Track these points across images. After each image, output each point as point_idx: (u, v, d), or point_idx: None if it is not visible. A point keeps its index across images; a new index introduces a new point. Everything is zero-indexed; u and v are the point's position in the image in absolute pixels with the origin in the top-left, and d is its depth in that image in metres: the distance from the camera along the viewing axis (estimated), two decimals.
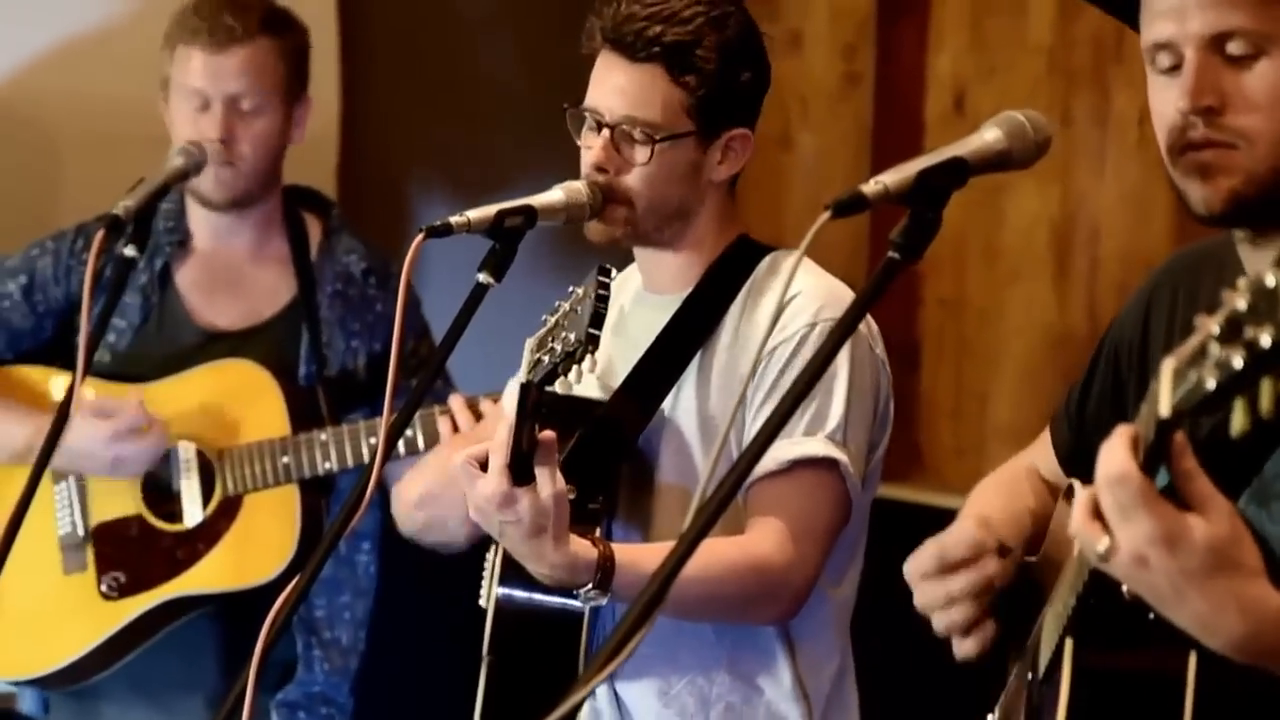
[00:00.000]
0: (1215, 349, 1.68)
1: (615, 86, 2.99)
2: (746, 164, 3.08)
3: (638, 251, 3.12)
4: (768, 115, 4.79)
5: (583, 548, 2.78)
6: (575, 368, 2.77)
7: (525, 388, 2.76)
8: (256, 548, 3.74)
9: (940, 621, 2.27)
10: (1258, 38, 2.15)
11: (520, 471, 2.73)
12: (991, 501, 2.52)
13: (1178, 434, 1.82)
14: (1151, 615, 1.98)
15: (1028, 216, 4.56)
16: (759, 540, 2.91)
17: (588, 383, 3.08)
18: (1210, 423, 1.76)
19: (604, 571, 2.78)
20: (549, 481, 2.73)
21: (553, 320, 2.82)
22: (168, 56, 3.82)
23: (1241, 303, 1.66)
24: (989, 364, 4.59)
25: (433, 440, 3.56)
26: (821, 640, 3.05)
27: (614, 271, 2.76)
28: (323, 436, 3.70)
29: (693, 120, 2.99)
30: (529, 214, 2.81)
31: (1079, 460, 2.49)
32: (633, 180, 2.99)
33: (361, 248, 3.95)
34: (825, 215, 2.10)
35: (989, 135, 2.21)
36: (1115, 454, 1.81)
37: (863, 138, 4.73)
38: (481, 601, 3.03)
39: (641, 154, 2.97)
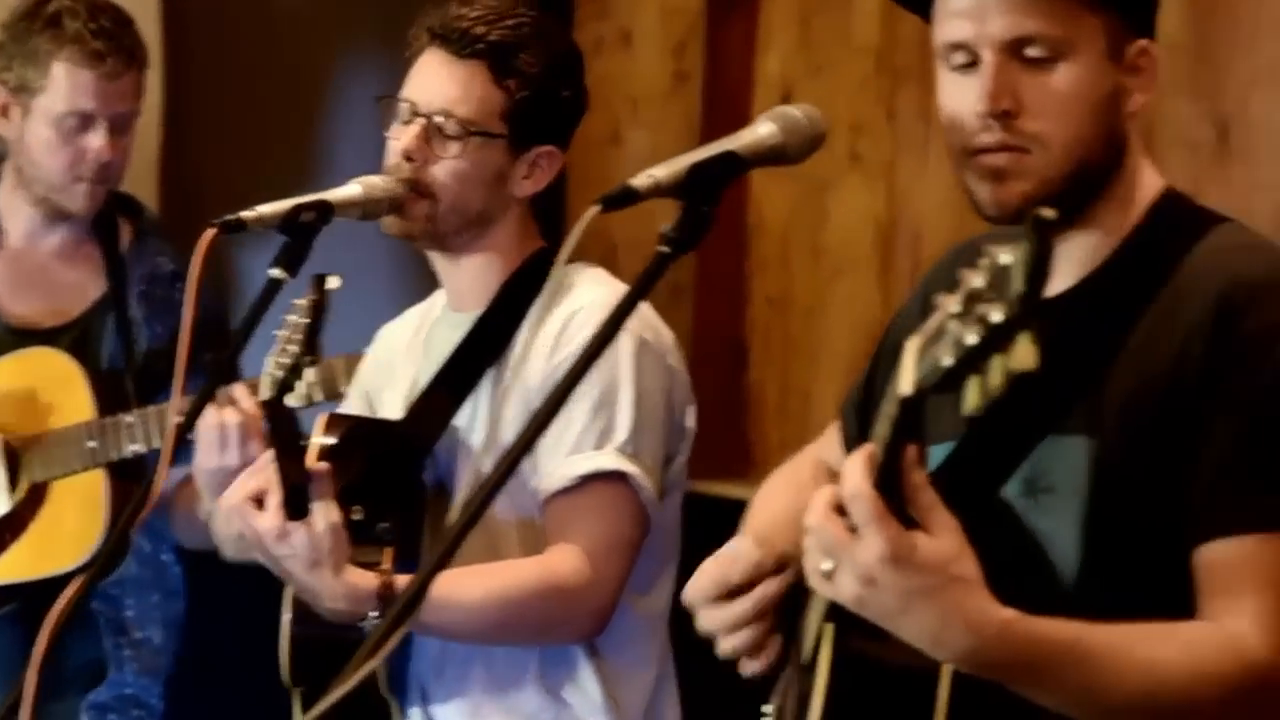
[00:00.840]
0: (953, 326, 1.70)
1: (436, 80, 3.00)
2: (551, 182, 3.07)
3: (437, 263, 3.11)
4: (598, 113, 4.81)
5: (363, 578, 2.78)
6: (300, 381, 2.74)
7: (264, 406, 2.74)
8: (61, 536, 3.69)
9: (725, 645, 2.27)
10: (1056, 43, 2.16)
11: (296, 505, 2.73)
12: (773, 506, 2.52)
13: (910, 446, 1.86)
14: None
15: (853, 214, 4.58)
16: (558, 560, 2.91)
17: (393, 404, 3.09)
18: (980, 411, 1.77)
19: (385, 600, 2.77)
20: (324, 514, 2.74)
21: (284, 334, 2.78)
22: (40, 72, 3.71)
23: (979, 280, 1.68)
24: (814, 361, 4.61)
25: None
26: (629, 651, 3.04)
27: (333, 279, 2.72)
28: (128, 419, 3.65)
29: (507, 125, 3.00)
30: (324, 209, 2.81)
31: None
32: (439, 173, 2.98)
33: (171, 250, 3.91)
34: (594, 209, 2.11)
35: (763, 129, 2.23)
36: (851, 472, 1.86)
37: (692, 136, 4.74)
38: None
39: (453, 148, 2.97)
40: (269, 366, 2.77)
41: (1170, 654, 2.01)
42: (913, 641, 1.93)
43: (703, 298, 4.74)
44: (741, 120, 4.72)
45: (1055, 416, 2.16)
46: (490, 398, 3.01)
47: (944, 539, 1.88)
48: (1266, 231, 3.69)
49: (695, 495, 3.14)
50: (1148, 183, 2.26)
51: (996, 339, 1.66)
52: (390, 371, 3.20)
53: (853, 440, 2.53)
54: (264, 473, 2.79)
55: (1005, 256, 1.66)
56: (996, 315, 1.65)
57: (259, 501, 2.77)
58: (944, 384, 1.73)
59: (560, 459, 2.93)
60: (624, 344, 2.96)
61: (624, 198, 2.12)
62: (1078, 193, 2.19)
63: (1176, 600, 2.07)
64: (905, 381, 1.78)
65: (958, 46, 2.20)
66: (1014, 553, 2.12)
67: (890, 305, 4.56)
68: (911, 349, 1.78)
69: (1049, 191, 2.17)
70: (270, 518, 2.74)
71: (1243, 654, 2.01)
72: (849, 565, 1.88)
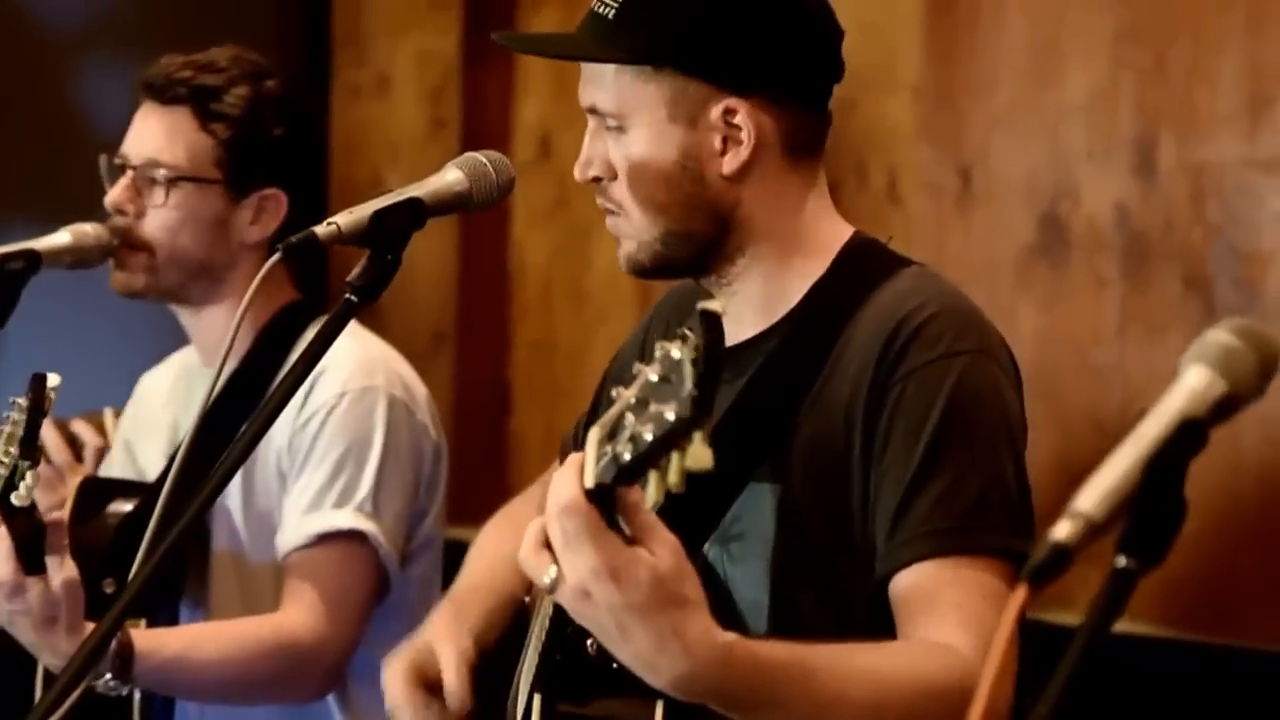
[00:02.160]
0: (630, 421, 1.68)
1: (144, 130, 2.99)
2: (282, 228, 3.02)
3: (181, 318, 3.08)
4: (358, 159, 4.83)
5: None
6: (22, 481, 2.66)
7: None
8: None
9: None
10: (614, 114, 2.24)
11: (32, 560, 2.65)
12: (485, 559, 2.52)
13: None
14: (615, 665, 1.99)
15: (614, 259, 4.58)
16: (289, 617, 2.89)
17: (154, 458, 3.05)
18: (661, 506, 1.77)
19: (123, 660, 2.71)
20: (59, 569, 2.66)
21: (7, 430, 2.68)
22: None
23: (654, 375, 1.66)
24: (578, 406, 4.57)
25: None
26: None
27: (53, 377, 2.63)
28: None
29: (220, 170, 2.97)
30: (31, 258, 2.78)
31: None
32: (150, 224, 2.96)
33: None
34: (276, 256, 2.11)
35: (450, 176, 2.26)
36: (565, 484, 1.80)
37: None
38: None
39: (159, 196, 2.95)
40: None
41: (891, 664, 2.02)
42: (629, 664, 1.85)
43: (465, 343, 4.73)
44: None
45: (750, 467, 2.18)
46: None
47: (662, 558, 1.80)
48: (1009, 275, 3.78)
49: (459, 542, 3.11)
50: (829, 231, 2.29)
51: (671, 438, 1.63)
52: (151, 423, 3.16)
53: None
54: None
55: (676, 351, 1.63)
56: (670, 414, 1.62)
57: None
58: (624, 478, 1.71)
59: (299, 516, 2.91)
60: (375, 402, 2.96)
61: (306, 246, 2.13)
62: (686, 255, 2.25)
63: (862, 638, 2.08)
64: (588, 475, 1.76)
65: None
66: (711, 605, 2.12)
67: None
68: (592, 440, 1.75)
69: (647, 253, 2.26)
70: (1, 569, 2.65)
71: (958, 660, 2.01)
72: (565, 577, 1.81)
